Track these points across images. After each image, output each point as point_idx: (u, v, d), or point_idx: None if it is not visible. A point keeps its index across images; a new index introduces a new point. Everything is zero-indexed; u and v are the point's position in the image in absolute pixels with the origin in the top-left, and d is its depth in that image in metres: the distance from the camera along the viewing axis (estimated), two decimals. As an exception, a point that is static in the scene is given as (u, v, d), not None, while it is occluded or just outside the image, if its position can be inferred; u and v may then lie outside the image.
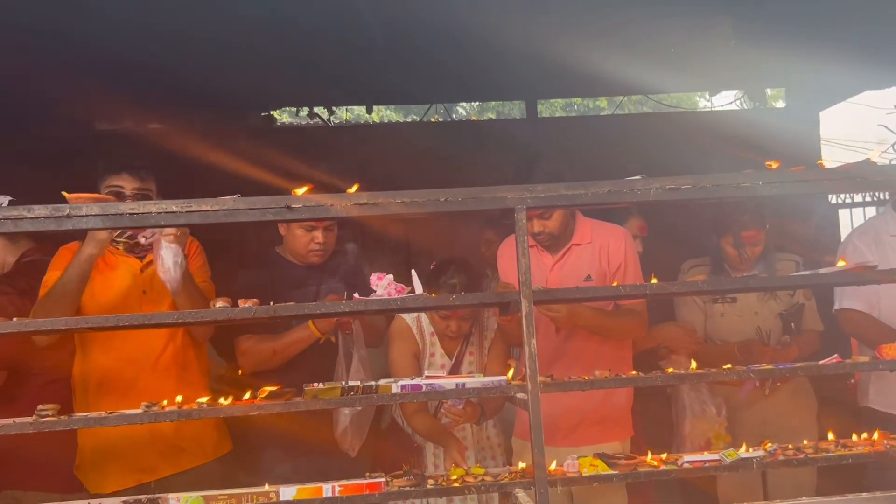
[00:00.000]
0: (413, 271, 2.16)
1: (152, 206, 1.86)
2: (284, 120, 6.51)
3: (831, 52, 4.42)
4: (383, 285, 2.06)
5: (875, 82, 5.62)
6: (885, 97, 6.19)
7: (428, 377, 2.13)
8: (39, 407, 2.02)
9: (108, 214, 1.85)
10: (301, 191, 1.96)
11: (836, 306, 3.10)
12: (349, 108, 6.70)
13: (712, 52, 4.54)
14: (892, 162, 5.84)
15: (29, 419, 1.97)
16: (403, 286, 2.06)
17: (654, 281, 2.13)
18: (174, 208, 1.87)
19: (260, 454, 2.85)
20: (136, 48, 3.99)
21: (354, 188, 1.95)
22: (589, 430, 2.80)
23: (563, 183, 1.97)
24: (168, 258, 2.39)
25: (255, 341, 2.85)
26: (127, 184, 2.66)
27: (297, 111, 5.99)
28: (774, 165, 2.06)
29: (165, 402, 2.06)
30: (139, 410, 2.03)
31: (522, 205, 1.95)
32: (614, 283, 2.64)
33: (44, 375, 2.76)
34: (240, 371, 2.90)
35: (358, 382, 2.10)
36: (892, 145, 5.99)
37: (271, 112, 5.80)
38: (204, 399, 2.08)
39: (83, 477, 2.70)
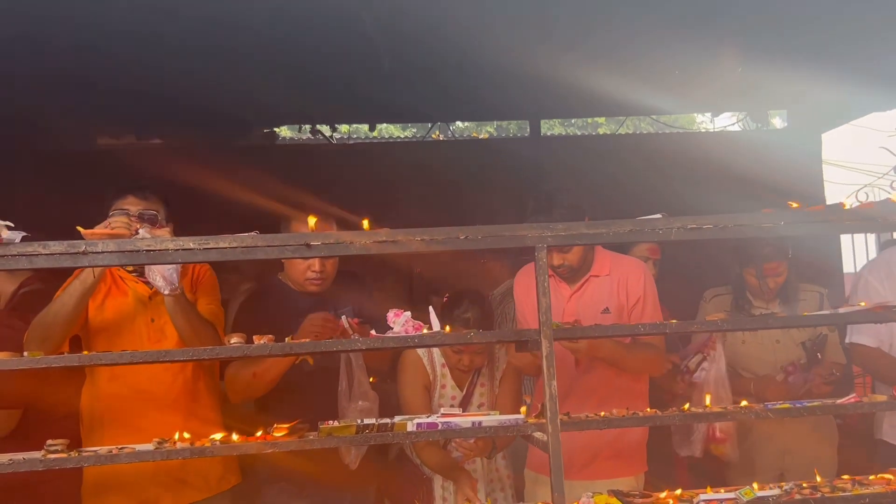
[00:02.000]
0: (430, 308, 2.13)
1: (169, 244, 1.84)
2: (287, 135, 6.49)
3: (834, 75, 4.44)
4: (401, 322, 2.03)
5: (878, 105, 5.65)
6: (887, 119, 6.20)
7: (444, 415, 2.10)
8: (49, 442, 1.99)
9: (124, 251, 1.82)
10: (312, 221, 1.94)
11: (848, 340, 3.09)
12: (352, 125, 6.67)
13: (718, 76, 4.55)
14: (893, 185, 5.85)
15: (38, 454, 1.94)
16: (421, 323, 2.03)
17: (674, 321, 2.11)
18: (192, 245, 1.84)
19: (268, 489, 2.81)
20: (138, 62, 3.95)
21: (366, 223, 1.93)
22: (603, 465, 2.77)
23: (584, 222, 1.96)
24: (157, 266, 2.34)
25: (236, 367, 2.76)
26: (132, 206, 2.64)
27: (300, 128, 5.96)
28: (794, 206, 2.04)
29: (178, 437, 2.03)
30: (150, 446, 2.01)
31: (543, 243, 1.93)
32: (632, 317, 2.63)
33: (58, 409, 2.72)
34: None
35: (373, 420, 2.07)
36: (894, 167, 5.99)
37: (274, 129, 5.77)
38: (218, 436, 2.05)
39: None
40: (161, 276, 2.37)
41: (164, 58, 3.92)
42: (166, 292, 2.41)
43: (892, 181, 6.08)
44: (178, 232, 2.76)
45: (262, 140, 5.71)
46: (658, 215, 2.03)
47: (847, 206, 2.09)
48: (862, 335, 3.02)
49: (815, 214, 2.02)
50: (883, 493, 2.17)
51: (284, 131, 6.53)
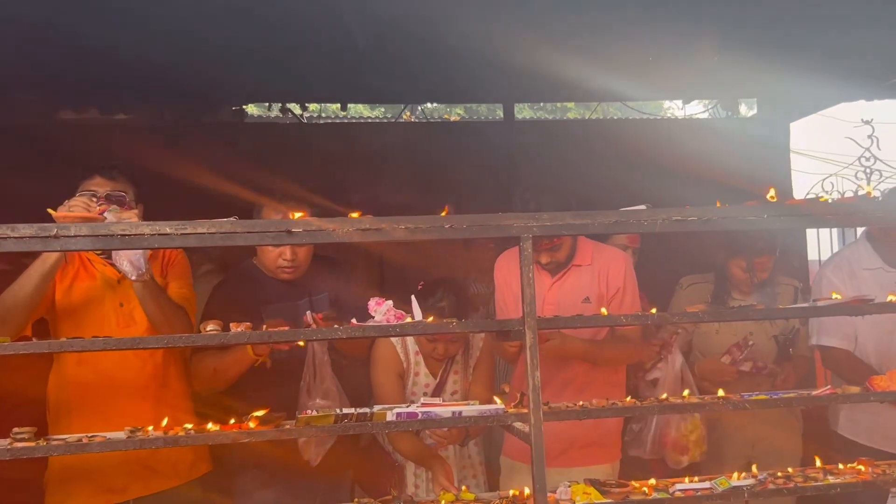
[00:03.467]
0: (413, 297, 2.10)
1: (145, 228, 1.77)
2: (255, 112, 6.36)
3: (804, 66, 4.48)
4: (382, 311, 2.00)
5: (845, 96, 5.72)
6: (854, 110, 6.30)
7: (424, 404, 2.08)
8: (15, 430, 1.93)
9: (97, 235, 1.76)
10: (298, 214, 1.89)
11: (814, 341, 3.11)
12: (323, 104, 6.56)
13: (692, 65, 4.56)
14: (864, 173, 5.97)
15: (5, 443, 1.87)
16: (403, 313, 2.00)
17: (654, 311, 2.11)
18: (168, 230, 1.78)
19: (239, 477, 2.76)
20: (102, 35, 3.81)
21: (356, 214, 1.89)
22: (579, 453, 2.78)
23: (570, 212, 1.94)
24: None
25: (200, 357, 2.69)
26: (100, 187, 2.55)
27: (269, 106, 5.84)
28: (773, 198, 2.05)
29: (151, 428, 1.98)
30: (122, 434, 1.96)
31: (528, 233, 1.91)
32: (611, 307, 2.62)
33: (22, 395, 2.64)
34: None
35: (352, 410, 2.04)
36: (859, 158, 6.10)
37: (243, 107, 5.64)
38: (190, 425, 2.00)
39: (49, 494, 2.59)
40: (128, 260, 2.29)
41: (129, 31, 3.79)
42: (133, 277, 2.34)
43: (858, 171, 6.22)
44: (146, 212, 2.68)
45: (230, 117, 5.58)
46: (642, 206, 2.02)
47: (825, 199, 2.10)
48: (831, 337, 3.03)
49: (796, 208, 2.02)
50: (853, 483, 2.21)
51: (253, 109, 6.39)
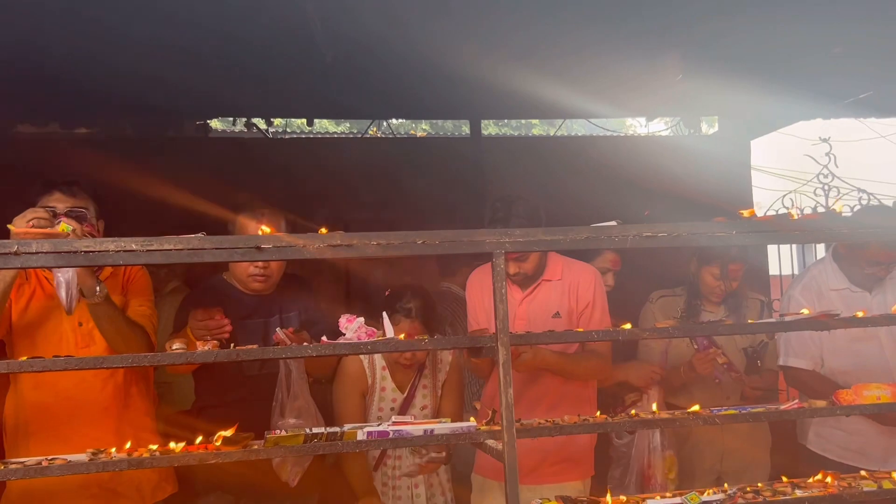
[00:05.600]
0: (384, 314, 2.08)
1: (110, 244, 1.72)
2: (219, 127, 6.28)
3: (764, 86, 4.58)
4: (353, 328, 1.97)
5: (803, 114, 5.86)
6: (812, 128, 6.44)
7: (395, 422, 2.05)
8: (-29, 454, 1.86)
9: (60, 252, 1.70)
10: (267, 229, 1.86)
11: (782, 362, 3.13)
12: (289, 119, 6.52)
13: (657, 84, 4.63)
14: (822, 190, 6.09)
15: (-39, 467, 1.80)
16: (374, 329, 1.98)
17: (626, 327, 2.11)
18: (134, 246, 1.73)
19: (204, 498, 2.69)
20: (64, 48, 3.74)
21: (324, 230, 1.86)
22: (551, 469, 2.76)
23: (542, 228, 1.93)
24: (59, 274, 2.14)
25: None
26: (60, 203, 2.49)
27: (234, 121, 5.78)
28: (747, 214, 2.07)
29: (114, 450, 1.91)
30: (84, 457, 1.89)
31: (501, 249, 1.90)
32: (580, 322, 2.62)
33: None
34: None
35: (322, 429, 2.00)
36: (817, 175, 6.22)
37: (207, 121, 5.57)
38: (154, 446, 1.94)
39: None
40: (64, 291, 2.18)
41: (91, 44, 3.72)
42: (63, 305, 2.20)
43: (816, 188, 6.36)
44: (108, 228, 2.62)
45: (194, 132, 5.51)
46: (613, 222, 2.03)
47: (794, 215, 2.13)
48: (797, 358, 3.06)
49: (764, 225, 2.05)
50: (821, 497, 2.23)
51: (217, 123, 6.32)
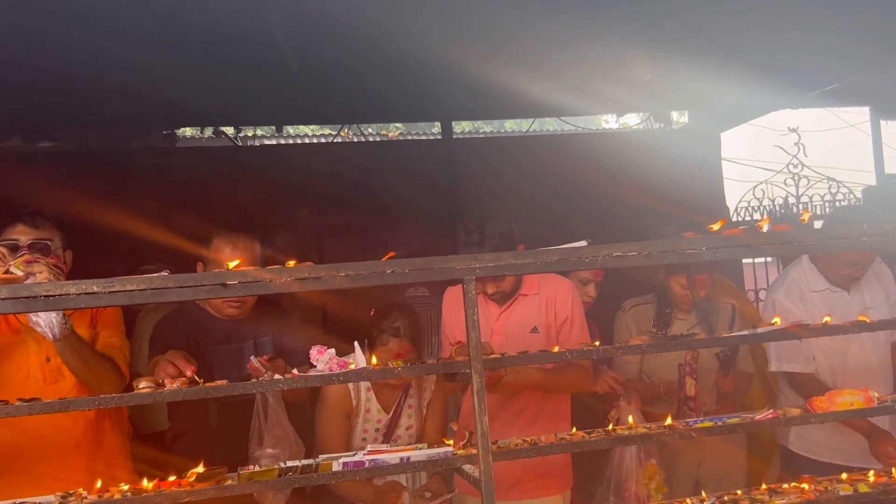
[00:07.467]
0: (356, 343, 2.05)
1: (71, 287, 1.68)
2: (189, 134, 6.20)
3: (733, 78, 4.60)
4: (324, 360, 1.94)
5: (772, 105, 5.90)
6: (781, 119, 6.49)
7: (370, 451, 2.03)
8: (-63, 500, 1.81)
9: (19, 298, 1.66)
10: (233, 264, 1.82)
11: (775, 368, 3.14)
12: (258, 127, 6.44)
13: (627, 79, 4.62)
14: (793, 179, 6.15)
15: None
16: (346, 360, 1.95)
17: (597, 344, 2.11)
18: (95, 289, 1.69)
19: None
20: (23, 59, 3.64)
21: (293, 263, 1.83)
22: (530, 485, 2.75)
23: (512, 252, 1.92)
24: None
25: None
26: (23, 235, 2.43)
27: (202, 129, 5.69)
28: (716, 227, 2.07)
29: (84, 491, 1.88)
30: (53, 498, 1.85)
31: (472, 275, 1.88)
32: (560, 336, 2.61)
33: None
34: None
35: (297, 462, 1.98)
36: (787, 165, 6.28)
37: (174, 130, 5.49)
38: (126, 486, 1.91)
39: None
40: (45, 323, 2.15)
41: (53, 55, 3.64)
42: (49, 338, 2.19)
43: (786, 178, 6.40)
44: (74, 243, 2.56)
45: (161, 142, 5.43)
46: (583, 242, 2.02)
47: (764, 228, 2.13)
48: (792, 363, 3.07)
49: (734, 239, 2.04)
50: (798, 503, 2.25)
51: (186, 131, 6.24)
